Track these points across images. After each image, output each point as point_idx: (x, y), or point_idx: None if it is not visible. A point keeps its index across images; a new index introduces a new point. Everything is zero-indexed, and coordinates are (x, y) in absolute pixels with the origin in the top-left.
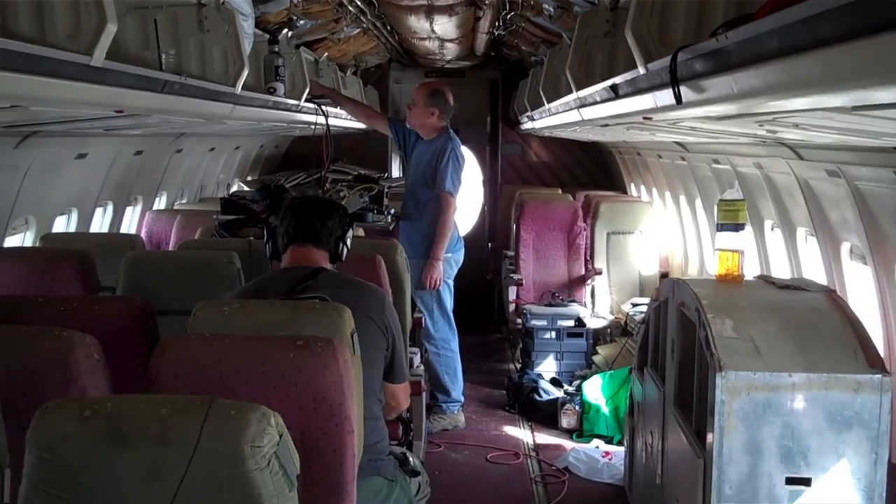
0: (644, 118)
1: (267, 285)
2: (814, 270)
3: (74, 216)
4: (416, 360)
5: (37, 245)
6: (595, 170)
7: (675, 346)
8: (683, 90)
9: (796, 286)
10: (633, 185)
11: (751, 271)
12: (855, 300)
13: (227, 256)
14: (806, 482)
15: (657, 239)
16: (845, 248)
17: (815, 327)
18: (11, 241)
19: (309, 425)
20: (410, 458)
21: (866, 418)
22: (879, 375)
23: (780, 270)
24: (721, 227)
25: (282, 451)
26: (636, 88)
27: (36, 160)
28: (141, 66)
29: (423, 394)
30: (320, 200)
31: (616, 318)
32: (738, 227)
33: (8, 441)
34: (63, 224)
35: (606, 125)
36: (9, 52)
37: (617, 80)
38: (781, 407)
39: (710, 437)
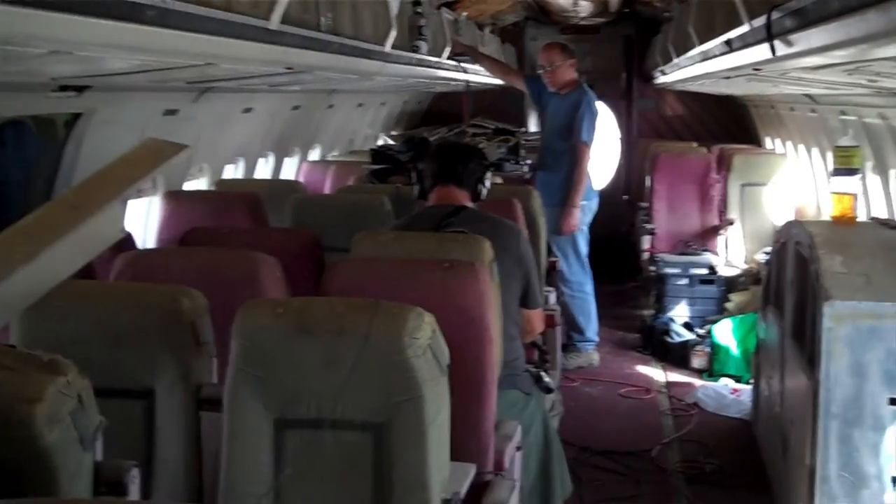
0: (754, 69)
1: (416, 221)
2: None
3: (241, 165)
4: (552, 298)
5: (212, 189)
6: (730, 124)
7: (793, 283)
8: (778, 44)
9: None
10: (767, 138)
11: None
12: None
13: (379, 199)
14: None
15: (791, 190)
16: None
17: None
18: (189, 186)
19: (455, 335)
20: (544, 377)
21: None
22: None
23: None
24: (836, 172)
25: (434, 343)
26: (744, 43)
27: (210, 113)
28: (304, 29)
29: (558, 328)
30: (461, 145)
31: (749, 266)
32: (852, 172)
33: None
34: (231, 172)
35: (728, 77)
36: (202, 17)
37: (730, 34)
38: (885, 334)
39: (819, 361)
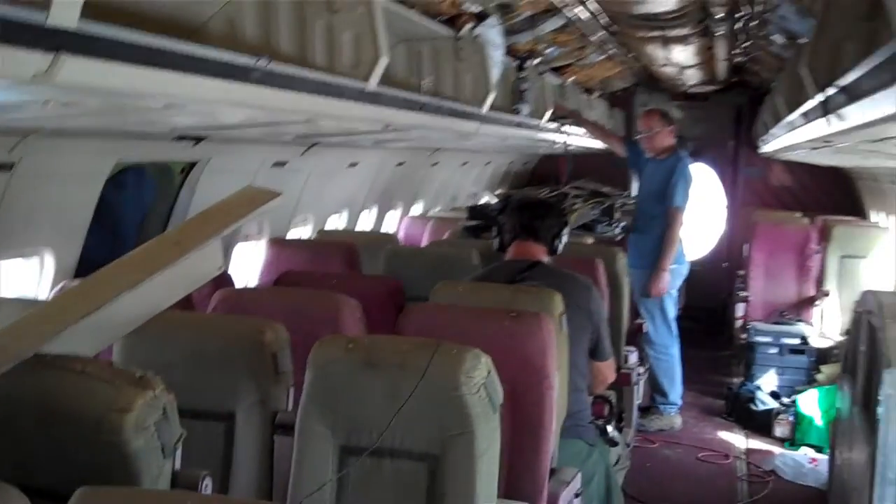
0: (825, 141)
1: (493, 273)
2: None
3: (345, 216)
4: (632, 357)
5: (313, 238)
6: (837, 195)
7: (864, 352)
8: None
9: None
10: (872, 211)
11: None
12: None
13: (468, 253)
14: None
15: (891, 263)
16: None
17: None
18: (293, 234)
19: (516, 380)
20: (609, 430)
21: None
22: None
23: None
24: None
25: (489, 383)
26: (812, 117)
27: (317, 167)
28: (405, 90)
29: (635, 387)
30: (540, 201)
31: (843, 339)
32: None
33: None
34: (335, 222)
35: (815, 147)
36: (308, 80)
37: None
38: None
39: (878, 426)
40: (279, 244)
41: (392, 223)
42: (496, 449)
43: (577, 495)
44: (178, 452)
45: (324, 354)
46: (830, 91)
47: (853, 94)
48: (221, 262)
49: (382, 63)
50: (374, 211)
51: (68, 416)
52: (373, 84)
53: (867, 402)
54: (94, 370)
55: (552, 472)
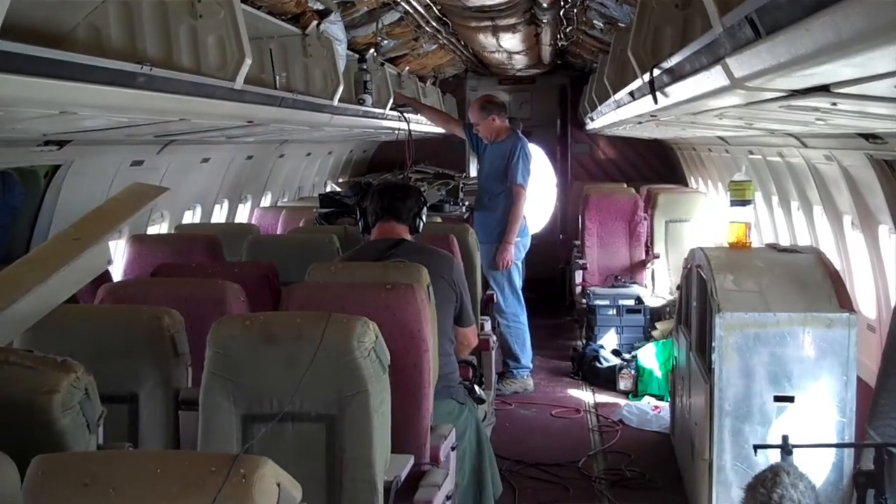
0: (651, 115)
1: (361, 253)
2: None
3: (198, 211)
4: (487, 325)
5: (173, 232)
6: (660, 166)
7: (696, 303)
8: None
9: (793, 249)
10: (692, 178)
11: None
12: (857, 262)
13: (329, 238)
14: (790, 399)
15: (711, 225)
16: (847, 220)
17: (800, 279)
18: (151, 230)
19: (396, 346)
20: (477, 389)
21: (837, 348)
22: (847, 314)
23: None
24: (732, 203)
25: (378, 347)
26: (641, 94)
27: (172, 163)
28: (263, 87)
29: (492, 351)
30: (400, 184)
31: (673, 297)
32: (745, 203)
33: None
34: (189, 217)
35: (640, 122)
36: (176, 80)
37: (631, 87)
38: (769, 340)
39: (713, 365)
40: (141, 240)
41: (243, 216)
42: (388, 406)
43: (452, 448)
44: (101, 429)
45: (223, 333)
46: (656, 72)
47: (676, 74)
48: (111, 256)
49: (247, 63)
50: (226, 205)
51: None
52: (239, 83)
53: (702, 347)
54: (17, 358)
55: (431, 429)
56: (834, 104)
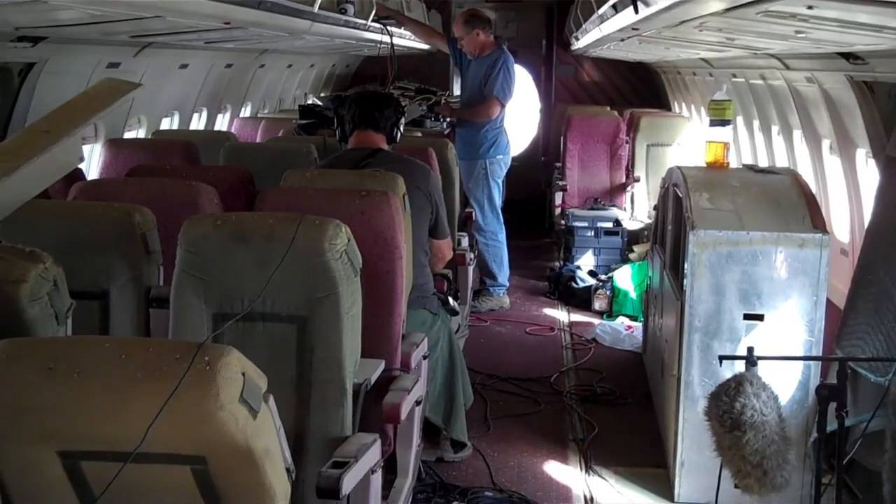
0: (633, 28)
1: (338, 161)
2: (806, 166)
3: (176, 118)
4: (465, 241)
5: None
6: (644, 90)
7: (671, 222)
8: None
9: (770, 170)
10: (675, 103)
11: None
12: (834, 188)
13: (307, 147)
14: (759, 318)
15: (693, 150)
16: (825, 144)
17: (775, 199)
18: (128, 136)
19: (370, 252)
20: (451, 301)
21: (809, 268)
22: (820, 234)
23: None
24: (711, 123)
25: (349, 249)
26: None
27: (149, 67)
28: None
29: (469, 266)
30: (378, 94)
31: (651, 220)
32: (724, 123)
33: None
34: (167, 124)
35: (622, 39)
36: None
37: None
38: (740, 258)
39: (685, 282)
40: (118, 144)
41: (222, 126)
42: (358, 309)
43: (424, 357)
44: (70, 322)
45: (194, 231)
46: None
47: None
48: (82, 153)
49: None
50: (205, 114)
51: None
52: None
53: (675, 266)
54: None
55: (403, 336)
56: (810, 7)
